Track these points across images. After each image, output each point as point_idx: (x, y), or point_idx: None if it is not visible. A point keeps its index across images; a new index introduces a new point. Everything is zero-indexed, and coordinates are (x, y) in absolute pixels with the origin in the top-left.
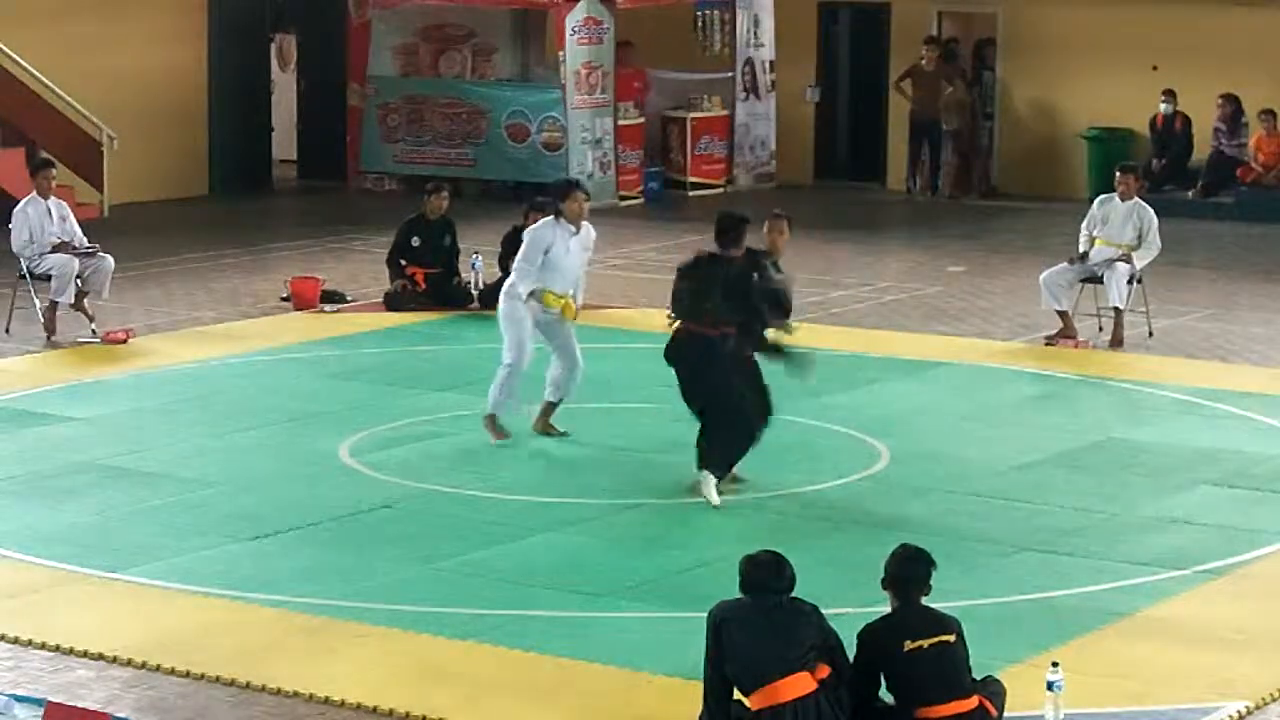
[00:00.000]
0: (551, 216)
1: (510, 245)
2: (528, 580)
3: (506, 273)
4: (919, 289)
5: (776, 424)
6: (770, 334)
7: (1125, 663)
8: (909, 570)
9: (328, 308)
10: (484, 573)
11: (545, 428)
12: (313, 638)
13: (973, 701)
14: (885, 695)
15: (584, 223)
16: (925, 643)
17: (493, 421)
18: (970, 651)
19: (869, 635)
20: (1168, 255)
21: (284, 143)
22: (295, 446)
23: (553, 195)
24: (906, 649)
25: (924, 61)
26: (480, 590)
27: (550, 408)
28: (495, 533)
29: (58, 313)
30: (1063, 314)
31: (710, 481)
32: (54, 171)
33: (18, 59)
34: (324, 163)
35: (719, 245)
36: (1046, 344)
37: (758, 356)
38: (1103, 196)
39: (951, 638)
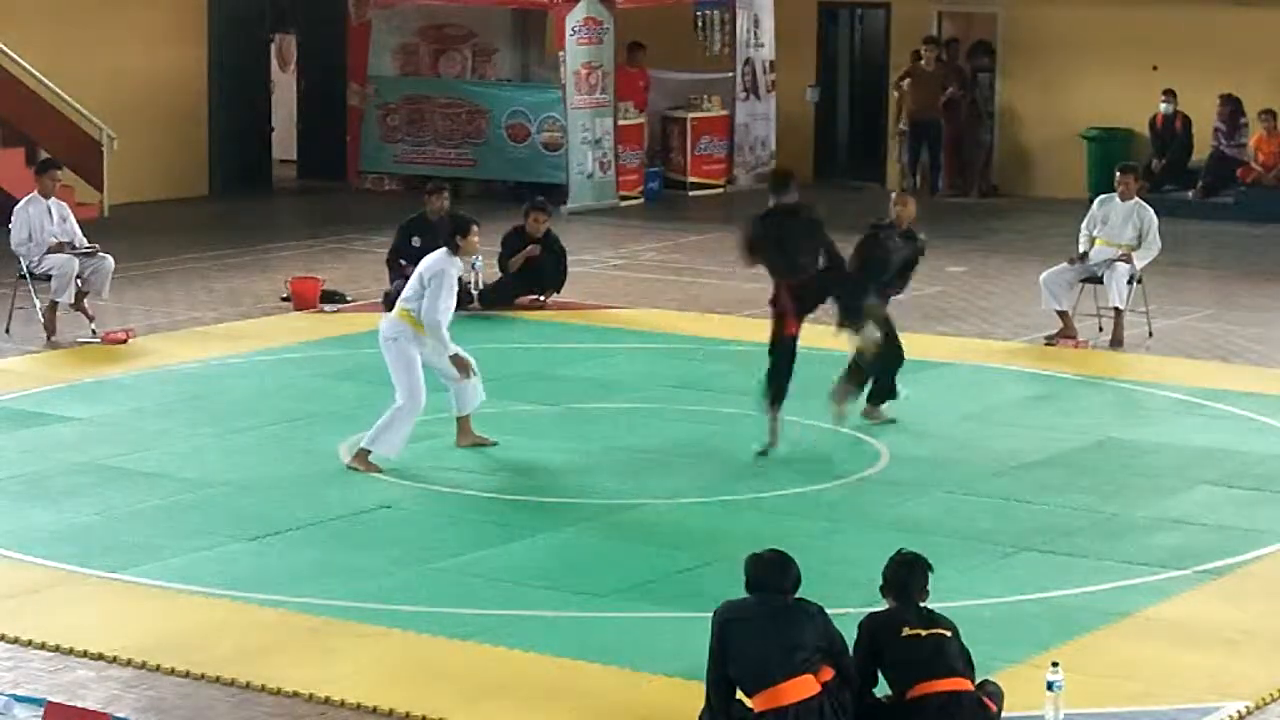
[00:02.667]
0: (445, 251)
1: (510, 245)
2: (528, 580)
3: (505, 273)
4: (919, 289)
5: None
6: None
7: (1125, 663)
8: (906, 576)
9: (328, 308)
10: (484, 573)
11: (474, 440)
12: (313, 638)
13: (967, 683)
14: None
15: None
16: (923, 631)
17: (365, 457)
18: (970, 652)
19: (868, 621)
20: (1168, 255)
21: (284, 143)
22: (295, 446)
23: (451, 230)
24: (904, 634)
25: (923, 62)
26: (480, 590)
27: (467, 420)
28: (495, 533)
29: (58, 313)
30: (1063, 314)
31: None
32: (60, 173)
33: (18, 59)
34: (324, 163)
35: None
36: (1046, 344)
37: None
38: (1103, 196)
39: (948, 633)
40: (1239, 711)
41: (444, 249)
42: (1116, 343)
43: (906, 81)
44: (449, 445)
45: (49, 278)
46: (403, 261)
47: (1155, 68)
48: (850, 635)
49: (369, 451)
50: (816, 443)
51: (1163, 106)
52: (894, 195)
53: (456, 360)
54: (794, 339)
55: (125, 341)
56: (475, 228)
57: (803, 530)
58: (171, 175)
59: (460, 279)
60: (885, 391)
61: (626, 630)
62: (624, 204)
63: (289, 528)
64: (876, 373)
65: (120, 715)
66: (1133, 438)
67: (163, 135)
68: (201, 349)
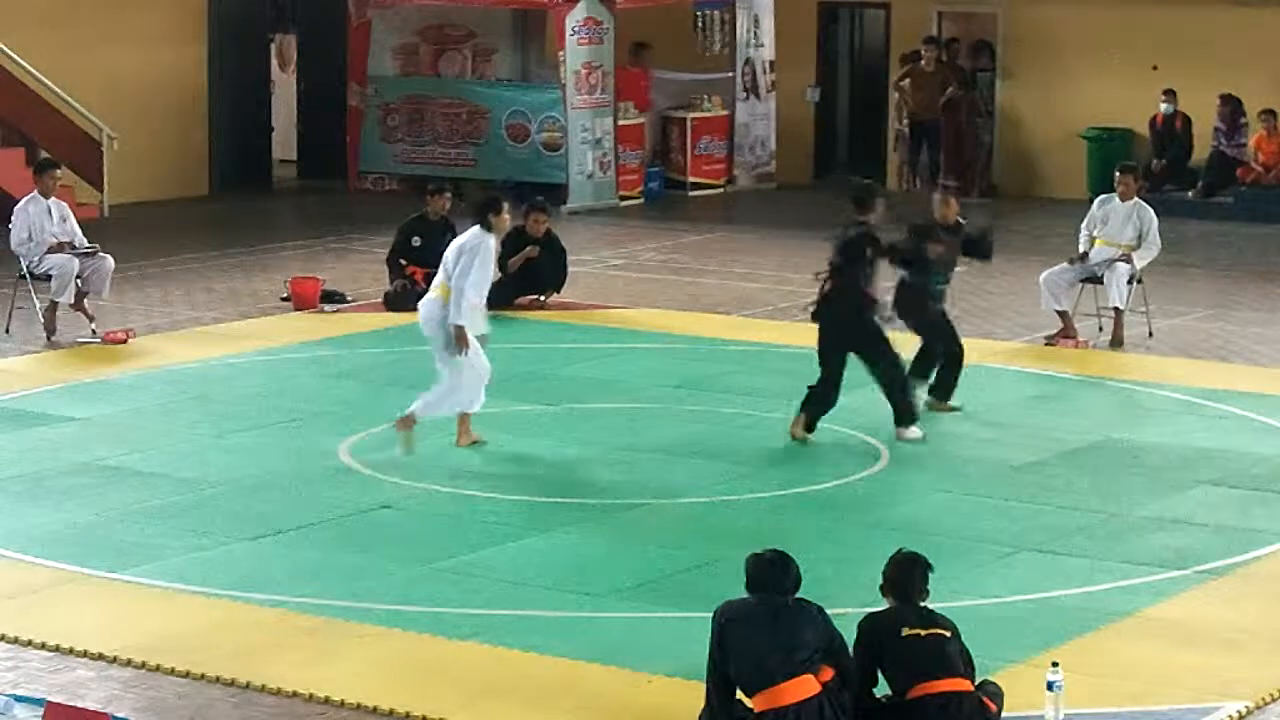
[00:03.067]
0: (479, 228)
1: (510, 245)
2: (528, 580)
3: (505, 273)
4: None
5: (778, 424)
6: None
7: (1125, 663)
8: (906, 575)
9: (328, 308)
10: (484, 573)
11: (473, 440)
12: (313, 638)
13: (967, 684)
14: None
15: None
16: (922, 631)
17: (410, 423)
18: (970, 653)
19: (866, 622)
20: (1168, 255)
21: (284, 143)
22: (295, 446)
23: (482, 208)
24: (904, 634)
25: (923, 62)
26: (480, 590)
27: (467, 420)
28: (495, 533)
29: (58, 313)
30: (1063, 314)
31: (912, 430)
32: (58, 172)
33: (18, 59)
34: (324, 163)
35: (857, 214)
36: (1046, 344)
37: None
38: (1103, 196)
39: (948, 633)
40: (1239, 711)
41: (477, 226)
42: (1116, 343)
43: (906, 81)
44: (449, 445)
45: (49, 278)
46: (402, 261)
47: (1155, 68)
48: (850, 635)
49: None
50: (816, 443)
51: (1163, 106)
52: (936, 197)
53: (457, 332)
54: (839, 361)
55: (125, 341)
56: (506, 204)
57: (803, 530)
58: (171, 175)
59: None
60: (948, 388)
61: (626, 630)
62: (624, 204)
63: (289, 528)
64: (940, 370)
65: (120, 715)
66: (1133, 438)
67: (163, 135)
68: (201, 349)
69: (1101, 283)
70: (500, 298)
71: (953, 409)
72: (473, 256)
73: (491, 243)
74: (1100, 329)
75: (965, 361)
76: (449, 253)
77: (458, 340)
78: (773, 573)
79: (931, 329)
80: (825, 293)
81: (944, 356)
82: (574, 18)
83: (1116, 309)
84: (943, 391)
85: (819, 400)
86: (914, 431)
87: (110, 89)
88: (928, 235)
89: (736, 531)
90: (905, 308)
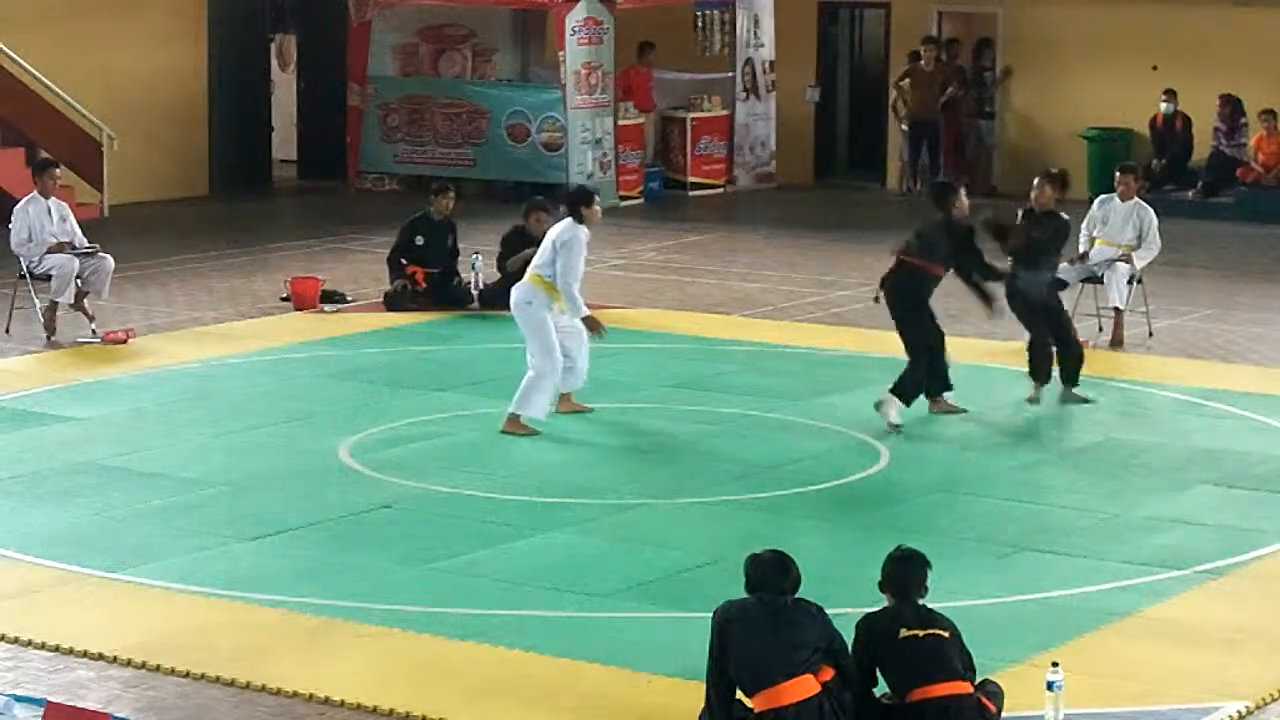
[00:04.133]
0: (571, 220)
1: (510, 245)
2: (528, 580)
3: (505, 273)
4: None
5: (778, 424)
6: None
7: (1125, 663)
8: (906, 571)
9: (328, 308)
10: (484, 573)
11: (572, 408)
12: (313, 638)
13: (967, 686)
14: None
15: None
16: (920, 632)
17: (518, 420)
18: (971, 653)
19: (864, 622)
20: (1168, 255)
21: (284, 143)
22: (295, 446)
23: (574, 201)
24: (902, 635)
25: (923, 62)
26: (480, 590)
27: (569, 394)
28: (495, 533)
29: (58, 313)
30: None
31: (894, 404)
32: (58, 172)
33: (18, 59)
34: (324, 163)
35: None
36: None
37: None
38: (1103, 196)
39: (946, 634)
40: (1239, 711)
41: (569, 218)
42: (1116, 343)
43: (906, 81)
44: (449, 445)
45: (49, 278)
46: (403, 261)
47: (1155, 68)
48: (850, 635)
49: (519, 415)
50: (816, 443)
51: (1163, 106)
52: (1035, 181)
53: (589, 322)
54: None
55: (125, 341)
56: (597, 197)
57: (803, 530)
58: (171, 175)
59: (460, 278)
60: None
61: (626, 630)
62: (624, 204)
63: (289, 528)
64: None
65: (120, 715)
66: (1133, 438)
67: (163, 135)
68: (201, 349)
69: (1101, 283)
70: (500, 298)
71: (1084, 399)
72: (568, 251)
73: (583, 235)
74: (1100, 329)
75: (1078, 353)
76: (545, 245)
77: (590, 326)
78: (772, 573)
79: (1046, 319)
80: (890, 270)
81: (1056, 344)
82: (574, 18)
83: (1116, 309)
84: (1072, 378)
85: (930, 375)
86: (893, 415)
87: (110, 89)
88: (1031, 223)
89: (736, 531)
90: (1016, 300)
